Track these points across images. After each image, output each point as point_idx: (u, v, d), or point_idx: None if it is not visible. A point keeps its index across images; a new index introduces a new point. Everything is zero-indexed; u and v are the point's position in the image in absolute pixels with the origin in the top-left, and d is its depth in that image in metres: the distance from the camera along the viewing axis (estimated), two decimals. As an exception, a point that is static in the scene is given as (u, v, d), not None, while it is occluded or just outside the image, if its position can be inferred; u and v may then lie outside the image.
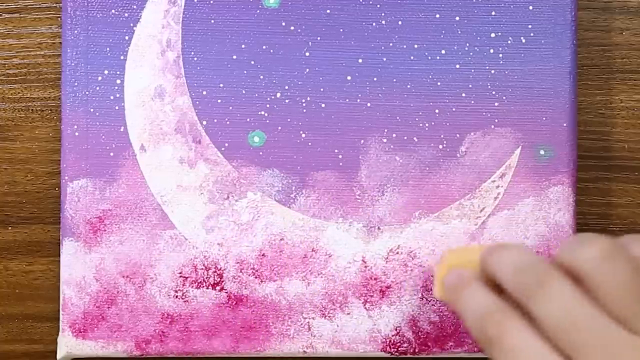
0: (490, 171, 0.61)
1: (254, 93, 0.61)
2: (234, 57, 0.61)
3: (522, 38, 0.61)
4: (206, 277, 0.60)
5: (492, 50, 0.61)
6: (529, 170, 0.61)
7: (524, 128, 0.61)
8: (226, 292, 0.60)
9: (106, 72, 0.61)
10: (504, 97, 0.61)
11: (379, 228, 0.61)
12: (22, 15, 0.63)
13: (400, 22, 0.61)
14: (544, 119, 0.61)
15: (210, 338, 0.60)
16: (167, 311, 0.60)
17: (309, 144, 0.61)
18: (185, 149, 0.61)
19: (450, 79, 0.61)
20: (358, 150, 0.61)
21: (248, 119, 0.61)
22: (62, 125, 0.61)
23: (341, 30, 0.61)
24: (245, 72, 0.61)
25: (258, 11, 0.61)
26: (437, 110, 0.61)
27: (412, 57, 0.61)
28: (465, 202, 0.61)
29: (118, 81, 0.61)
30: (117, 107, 0.61)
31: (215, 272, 0.60)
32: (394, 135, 0.61)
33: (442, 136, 0.61)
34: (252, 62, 0.61)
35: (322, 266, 0.61)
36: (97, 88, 0.61)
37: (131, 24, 0.61)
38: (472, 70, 0.61)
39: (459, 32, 0.61)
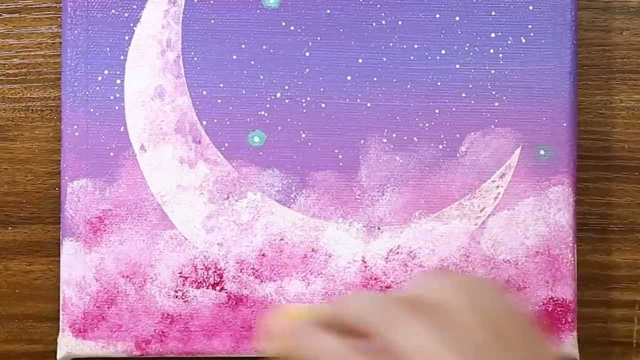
0: (490, 171, 0.61)
1: (254, 93, 0.61)
2: (234, 57, 0.61)
3: (522, 38, 0.61)
4: (206, 277, 0.60)
5: (492, 50, 0.61)
6: (529, 170, 0.61)
7: (524, 128, 0.61)
8: (226, 292, 0.60)
9: (106, 72, 0.61)
10: (504, 97, 0.61)
11: (379, 228, 0.61)
12: (22, 15, 0.63)
13: (400, 22, 0.61)
14: (544, 119, 0.61)
15: (210, 338, 0.60)
16: (167, 311, 0.60)
17: (309, 144, 0.61)
18: (185, 149, 0.61)
19: (450, 79, 0.61)
20: (358, 150, 0.61)
21: (248, 119, 0.61)
22: (62, 125, 0.61)
23: (341, 30, 0.61)
24: (245, 72, 0.61)
25: (258, 11, 0.61)
26: (437, 110, 0.61)
27: (412, 57, 0.61)
28: (465, 202, 0.61)
29: (118, 81, 0.61)
30: (117, 107, 0.61)
31: (215, 272, 0.60)
32: (394, 135, 0.61)
33: (442, 136, 0.61)
34: (252, 62, 0.61)
35: (322, 266, 0.61)
36: (97, 88, 0.61)
37: (131, 24, 0.61)
38: (472, 70, 0.61)
39: (459, 32, 0.61)
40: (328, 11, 0.61)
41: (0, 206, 0.63)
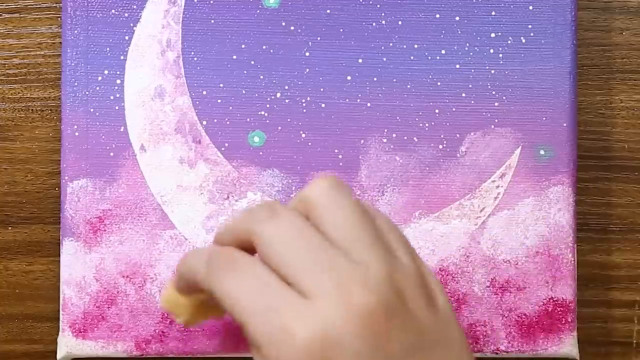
0: (490, 171, 0.61)
1: (254, 93, 0.61)
2: (234, 57, 0.61)
3: (522, 38, 0.61)
4: (206, 277, 0.60)
5: (492, 50, 0.61)
6: (529, 170, 0.61)
7: (524, 128, 0.61)
8: (226, 292, 0.60)
9: (106, 72, 0.61)
10: (504, 97, 0.61)
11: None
12: (22, 15, 0.63)
13: (400, 22, 0.61)
14: (544, 119, 0.61)
15: (210, 338, 0.60)
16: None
17: (309, 144, 0.61)
18: (185, 149, 0.61)
19: (450, 79, 0.61)
20: (358, 150, 0.61)
21: (248, 119, 0.61)
22: (62, 125, 0.61)
23: (341, 30, 0.61)
24: (245, 72, 0.61)
25: (258, 11, 0.61)
26: (437, 110, 0.61)
27: (412, 57, 0.61)
28: (465, 202, 0.61)
29: (118, 81, 0.61)
30: (117, 107, 0.61)
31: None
32: (394, 135, 0.61)
33: (442, 136, 0.61)
34: (252, 62, 0.61)
35: (322, 266, 0.61)
36: (97, 88, 0.61)
37: (131, 24, 0.61)
38: (472, 70, 0.61)
39: (459, 32, 0.61)
40: (328, 11, 0.61)
41: (0, 206, 0.63)
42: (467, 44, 0.61)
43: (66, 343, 0.60)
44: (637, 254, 0.64)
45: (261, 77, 0.61)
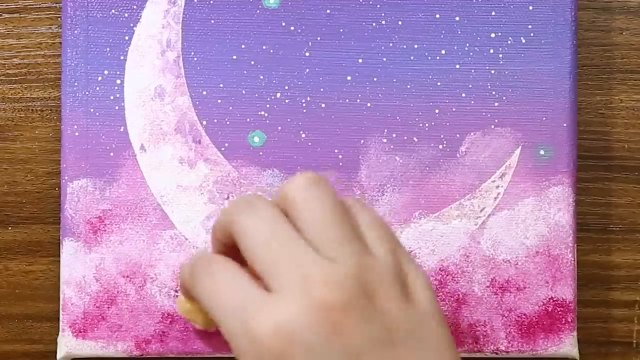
0: (490, 171, 0.61)
1: (254, 93, 0.61)
2: (234, 57, 0.61)
3: (522, 38, 0.61)
4: (206, 277, 0.60)
5: (492, 50, 0.61)
6: (529, 170, 0.61)
7: (524, 128, 0.61)
8: (226, 292, 0.60)
9: (106, 72, 0.61)
10: (504, 97, 0.61)
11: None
12: (22, 15, 0.63)
13: (400, 22, 0.61)
14: (544, 119, 0.61)
15: (210, 338, 0.60)
16: (167, 311, 0.60)
17: (309, 144, 0.61)
18: (185, 149, 0.61)
19: (450, 79, 0.61)
20: (358, 150, 0.61)
21: (248, 119, 0.61)
22: (62, 125, 0.61)
23: (341, 30, 0.61)
24: (245, 72, 0.61)
25: (258, 11, 0.61)
26: (437, 110, 0.61)
27: (412, 57, 0.61)
28: (465, 202, 0.61)
29: (118, 81, 0.61)
30: (117, 107, 0.61)
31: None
32: (394, 135, 0.61)
33: (442, 136, 0.61)
34: (252, 62, 0.61)
35: (322, 266, 0.61)
36: (97, 88, 0.61)
37: (131, 24, 0.61)
38: (472, 70, 0.61)
39: (459, 32, 0.61)
40: (328, 11, 0.61)
41: (0, 206, 0.63)
42: (467, 44, 0.61)
43: (66, 343, 0.60)
44: (637, 254, 0.64)
45: (261, 77, 0.61)
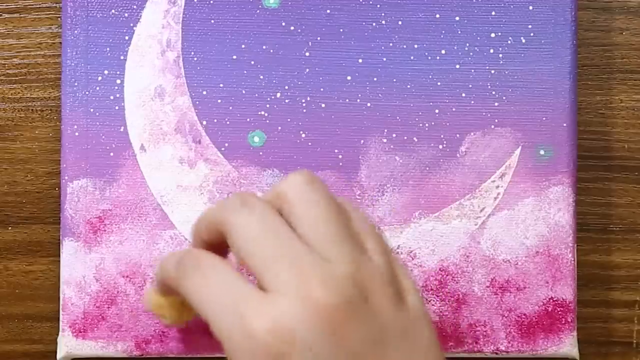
0: (490, 171, 0.61)
1: (254, 93, 0.61)
2: (234, 57, 0.61)
3: (522, 38, 0.61)
4: (206, 277, 0.60)
5: (492, 50, 0.61)
6: (529, 170, 0.61)
7: (524, 128, 0.61)
8: (226, 292, 0.60)
9: (106, 72, 0.61)
10: (504, 97, 0.61)
11: (379, 228, 0.61)
12: (22, 15, 0.63)
13: (400, 22, 0.61)
14: (544, 119, 0.61)
15: (210, 338, 0.60)
16: (167, 311, 0.60)
17: (309, 144, 0.61)
18: (185, 149, 0.61)
19: (450, 79, 0.61)
20: (358, 150, 0.61)
21: (248, 119, 0.61)
22: (62, 125, 0.61)
23: (341, 30, 0.61)
24: (245, 72, 0.61)
25: (258, 11, 0.61)
26: (437, 110, 0.61)
27: (412, 57, 0.61)
28: (465, 202, 0.61)
29: (118, 81, 0.61)
30: (117, 107, 0.61)
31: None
32: (394, 135, 0.61)
33: (442, 136, 0.61)
34: (252, 62, 0.61)
35: (322, 266, 0.61)
36: (97, 88, 0.61)
37: (131, 24, 0.61)
38: (472, 70, 0.61)
39: (459, 32, 0.61)
40: (328, 11, 0.61)
41: (0, 206, 0.63)
42: (467, 44, 0.61)
43: (66, 343, 0.60)
44: (637, 254, 0.64)
45: (261, 77, 0.61)
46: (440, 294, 0.61)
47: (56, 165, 0.62)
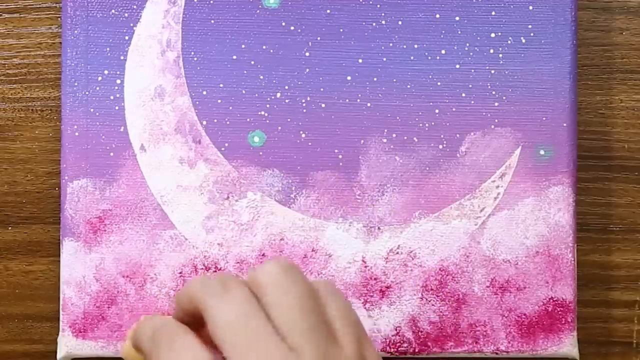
0: (490, 171, 0.61)
1: (254, 93, 0.61)
2: (234, 57, 0.61)
3: (522, 38, 0.61)
4: (206, 277, 0.60)
5: (492, 50, 0.61)
6: (529, 170, 0.61)
7: (524, 128, 0.61)
8: (226, 292, 0.60)
9: (106, 72, 0.61)
10: (504, 97, 0.61)
11: (379, 228, 0.61)
12: (22, 15, 0.63)
13: (400, 22, 0.61)
14: (544, 119, 0.61)
15: (210, 338, 0.60)
16: (167, 311, 0.60)
17: (309, 144, 0.61)
18: (185, 149, 0.61)
19: (450, 79, 0.61)
20: (358, 150, 0.61)
21: (248, 119, 0.61)
22: (62, 125, 0.61)
23: (341, 30, 0.61)
24: (245, 72, 0.61)
25: (258, 11, 0.61)
26: (437, 110, 0.61)
27: (412, 57, 0.61)
28: (465, 202, 0.61)
29: (118, 81, 0.61)
30: (117, 107, 0.61)
31: (215, 272, 0.60)
32: (394, 135, 0.61)
33: (442, 136, 0.61)
34: (252, 62, 0.61)
35: (322, 266, 0.61)
36: (97, 88, 0.61)
37: (131, 24, 0.61)
38: (472, 70, 0.61)
39: (459, 32, 0.61)
40: (328, 11, 0.61)
41: (0, 206, 0.63)
42: (467, 44, 0.61)
43: (66, 343, 0.60)
44: (637, 254, 0.64)
45: (261, 77, 0.61)
46: (440, 294, 0.61)
47: (56, 165, 0.62)
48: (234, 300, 0.46)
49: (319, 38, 0.61)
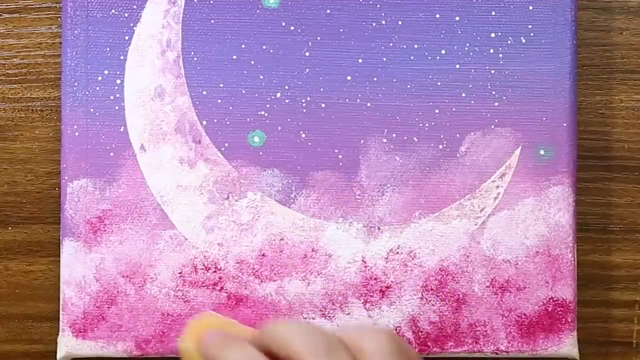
0: (490, 171, 0.61)
1: (254, 93, 0.61)
2: (234, 57, 0.61)
3: (522, 38, 0.61)
4: (206, 277, 0.60)
5: (492, 50, 0.61)
6: (529, 170, 0.61)
7: (524, 128, 0.61)
8: (226, 292, 0.60)
9: (106, 72, 0.61)
10: (504, 97, 0.61)
11: (379, 228, 0.61)
12: (22, 15, 0.63)
13: (400, 22, 0.61)
14: (544, 119, 0.61)
15: (210, 338, 0.60)
16: (167, 311, 0.60)
17: (309, 144, 0.61)
18: (185, 149, 0.61)
19: (450, 79, 0.61)
20: (358, 150, 0.61)
21: (248, 119, 0.61)
22: (62, 125, 0.61)
23: (341, 30, 0.61)
24: (245, 72, 0.61)
25: (258, 11, 0.61)
26: (437, 110, 0.61)
27: (412, 57, 0.61)
28: (465, 202, 0.61)
29: (118, 81, 0.61)
30: (117, 107, 0.61)
31: (215, 272, 0.60)
32: (394, 135, 0.61)
33: (442, 136, 0.61)
34: (252, 62, 0.61)
35: (322, 266, 0.61)
36: (97, 88, 0.61)
37: (131, 24, 0.61)
38: (472, 70, 0.61)
39: (459, 32, 0.61)
40: (328, 11, 0.61)
41: (0, 206, 0.63)
42: (467, 44, 0.61)
43: (66, 343, 0.60)
44: (637, 254, 0.64)
45: (261, 77, 0.61)
46: (440, 294, 0.61)
47: (56, 165, 0.62)
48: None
49: (319, 38, 0.61)
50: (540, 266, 0.61)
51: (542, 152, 0.61)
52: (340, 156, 0.61)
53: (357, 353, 0.46)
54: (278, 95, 0.61)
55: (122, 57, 0.61)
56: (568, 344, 0.61)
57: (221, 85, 0.61)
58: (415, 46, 0.61)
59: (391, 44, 0.61)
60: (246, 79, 0.61)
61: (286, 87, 0.61)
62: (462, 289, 0.61)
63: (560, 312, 0.61)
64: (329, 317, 0.60)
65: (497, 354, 0.60)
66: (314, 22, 0.61)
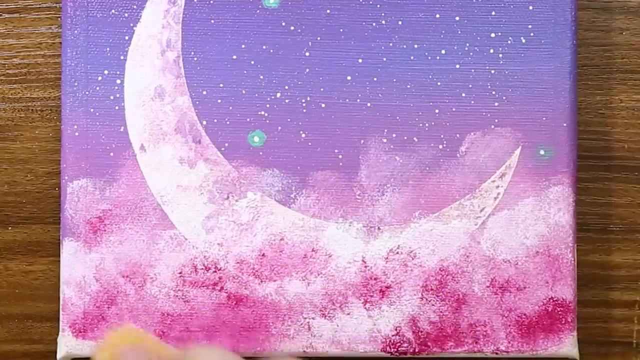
0: (490, 171, 0.61)
1: (254, 93, 0.61)
2: (234, 57, 0.61)
3: (522, 38, 0.61)
4: (206, 277, 0.60)
5: (492, 50, 0.61)
6: (529, 170, 0.61)
7: (524, 128, 0.61)
8: (226, 292, 0.60)
9: (106, 72, 0.61)
10: (504, 97, 0.61)
11: (379, 228, 0.61)
12: (22, 15, 0.63)
13: (400, 22, 0.61)
14: (544, 119, 0.61)
15: (210, 338, 0.60)
16: (167, 311, 0.60)
17: (309, 144, 0.61)
18: (185, 149, 0.61)
19: (450, 79, 0.61)
20: (358, 150, 0.61)
21: (248, 119, 0.61)
22: (62, 125, 0.61)
23: (341, 30, 0.61)
24: (245, 72, 0.61)
25: (258, 11, 0.61)
26: (437, 110, 0.61)
27: (412, 57, 0.61)
28: (465, 202, 0.61)
29: (118, 81, 0.61)
30: (117, 107, 0.61)
31: (215, 272, 0.60)
32: (394, 135, 0.61)
33: (442, 136, 0.61)
34: (252, 62, 0.61)
35: (322, 266, 0.61)
36: (97, 88, 0.61)
37: (131, 24, 0.61)
38: (472, 70, 0.61)
39: (459, 32, 0.61)
40: (328, 11, 0.61)
41: (0, 206, 0.63)
42: (467, 44, 0.61)
43: (66, 343, 0.60)
44: (637, 254, 0.64)
45: (261, 77, 0.61)
46: (440, 294, 0.61)
47: (56, 165, 0.62)
48: None
49: (319, 38, 0.61)
50: (540, 266, 0.61)
51: (542, 152, 0.61)
52: (340, 156, 0.61)
53: None
54: (278, 95, 0.61)
55: (122, 57, 0.61)
56: (568, 344, 0.61)
57: (221, 85, 0.61)
58: (415, 46, 0.61)
59: (391, 44, 0.61)
60: (246, 79, 0.61)
61: (286, 87, 0.61)
62: (462, 289, 0.61)
63: (560, 312, 0.61)
64: (329, 317, 0.60)
65: (497, 354, 0.61)
66: (314, 22, 0.61)
